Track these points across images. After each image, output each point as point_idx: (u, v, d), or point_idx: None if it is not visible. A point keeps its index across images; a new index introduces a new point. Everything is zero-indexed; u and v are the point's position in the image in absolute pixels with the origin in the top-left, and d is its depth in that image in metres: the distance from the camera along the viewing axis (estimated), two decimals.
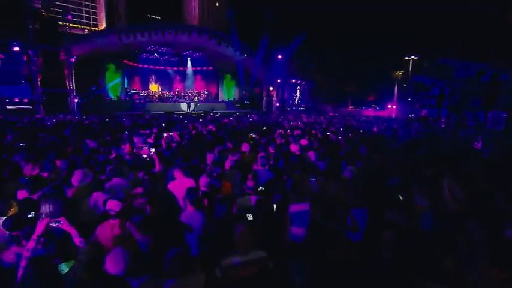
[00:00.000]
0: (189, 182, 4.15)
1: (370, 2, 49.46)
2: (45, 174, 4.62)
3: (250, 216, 2.83)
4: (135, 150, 6.27)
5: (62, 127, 11.91)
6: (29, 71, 22.71)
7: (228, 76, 38.41)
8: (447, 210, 3.70)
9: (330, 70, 44.44)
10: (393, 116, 35.96)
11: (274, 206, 3.64)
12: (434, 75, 15.03)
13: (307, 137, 9.25)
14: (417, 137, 12.09)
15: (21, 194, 4.04)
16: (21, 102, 22.92)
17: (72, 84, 24.58)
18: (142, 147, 5.73)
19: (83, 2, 68.02)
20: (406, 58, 38.62)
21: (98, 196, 3.78)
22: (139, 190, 3.99)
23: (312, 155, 6.38)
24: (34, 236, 2.26)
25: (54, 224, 2.35)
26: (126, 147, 6.46)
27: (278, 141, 8.26)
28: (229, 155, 5.81)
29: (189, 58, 36.56)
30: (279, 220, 3.11)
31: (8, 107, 22.42)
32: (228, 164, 5.21)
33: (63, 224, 2.36)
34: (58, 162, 5.07)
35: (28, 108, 22.77)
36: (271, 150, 6.61)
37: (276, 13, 33.93)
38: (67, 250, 2.57)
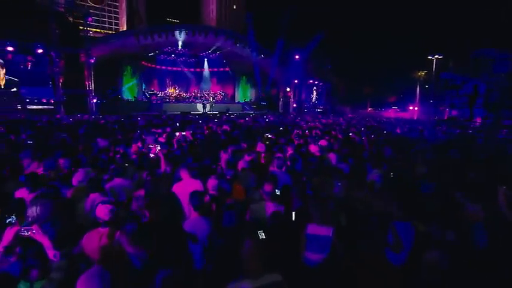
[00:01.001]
0: (196, 184, 3.70)
1: (390, 2, 48.12)
2: (44, 173, 4.30)
3: (262, 235, 2.32)
4: (145, 149, 5.91)
5: (76, 126, 11.89)
6: (51, 72, 23.34)
7: (245, 77, 38.17)
8: (504, 222, 3.06)
9: (348, 71, 43.45)
10: (415, 118, 34.53)
11: (293, 213, 3.11)
12: (461, 74, 13.97)
13: (327, 138, 8.65)
14: (446, 138, 11.18)
15: (20, 193, 3.74)
16: (48, 103, 23.75)
17: (92, 85, 25.03)
18: (149, 146, 5.35)
19: (106, 8, 70.43)
20: (430, 57, 36.96)
21: (95, 198, 3.42)
22: (141, 192, 3.58)
23: (332, 156, 5.84)
24: (0, 247, 1.86)
25: (25, 233, 1.95)
26: (133, 147, 6.10)
27: (296, 142, 7.73)
28: (244, 155, 5.35)
29: (205, 59, 36.61)
30: (299, 233, 2.56)
31: (32, 107, 23.18)
32: (240, 165, 4.72)
33: (35, 232, 1.95)
34: (61, 161, 4.77)
35: (50, 108, 23.45)
36: (290, 151, 6.10)
37: (292, 14, 33.48)
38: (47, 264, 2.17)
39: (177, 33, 28.14)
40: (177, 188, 3.72)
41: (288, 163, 5.13)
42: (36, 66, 23.41)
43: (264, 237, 2.59)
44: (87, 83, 24.90)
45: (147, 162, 4.84)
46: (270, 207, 3.10)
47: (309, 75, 37.30)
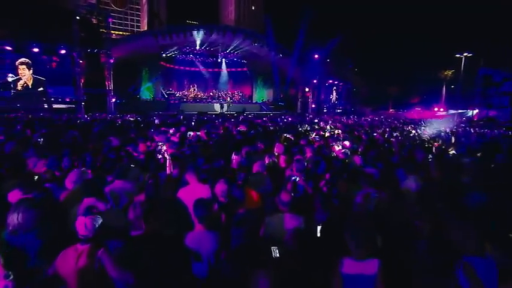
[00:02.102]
0: (204, 190, 3.21)
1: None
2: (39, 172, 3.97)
3: (276, 252, 1.79)
4: (151, 149, 5.51)
5: (91, 124, 11.82)
6: (73, 72, 23.94)
7: (262, 77, 37.80)
8: None
9: (369, 71, 42.13)
10: (441, 119, 32.78)
11: (318, 228, 2.55)
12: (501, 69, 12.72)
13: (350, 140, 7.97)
14: (481, 141, 10.15)
15: (13, 195, 3.39)
16: (71, 102, 24.53)
17: (111, 85, 25.44)
18: (158, 145, 4.93)
19: (128, 11, 72.50)
20: (458, 55, 34.92)
21: (90, 202, 3.00)
22: (142, 197, 3.15)
23: (358, 160, 5.22)
24: None
25: None
26: (141, 146, 5.71)
27: (316, 144, 7.12)
28: (264, 156, 4.81)
29: (223, 59, 36.52)
30: (327, 256, 1.99)
31: (57, 106, 23.93)
32: (255, 168, 4.17)
33: None
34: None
35: (73, 107, 24.06)
36: (309, 153, 5.51)
37: (312, 13, 32.81)
38: None
39: (195, 32, 28.13)
40: (182, 194, 3.24)
41: (309, 166, 4.56)
42: (61, 66, 24.13)
43: (278, 254, 2.06)
44: (107, 83, 25.34)
45: (154, 163, 4.41)
46: (289, 221, 2.55)
47: (329, 75, 36.33)
